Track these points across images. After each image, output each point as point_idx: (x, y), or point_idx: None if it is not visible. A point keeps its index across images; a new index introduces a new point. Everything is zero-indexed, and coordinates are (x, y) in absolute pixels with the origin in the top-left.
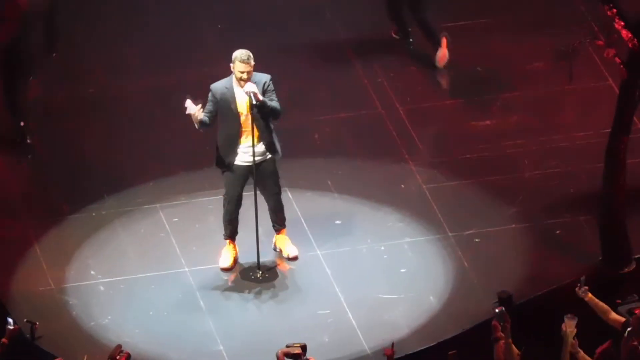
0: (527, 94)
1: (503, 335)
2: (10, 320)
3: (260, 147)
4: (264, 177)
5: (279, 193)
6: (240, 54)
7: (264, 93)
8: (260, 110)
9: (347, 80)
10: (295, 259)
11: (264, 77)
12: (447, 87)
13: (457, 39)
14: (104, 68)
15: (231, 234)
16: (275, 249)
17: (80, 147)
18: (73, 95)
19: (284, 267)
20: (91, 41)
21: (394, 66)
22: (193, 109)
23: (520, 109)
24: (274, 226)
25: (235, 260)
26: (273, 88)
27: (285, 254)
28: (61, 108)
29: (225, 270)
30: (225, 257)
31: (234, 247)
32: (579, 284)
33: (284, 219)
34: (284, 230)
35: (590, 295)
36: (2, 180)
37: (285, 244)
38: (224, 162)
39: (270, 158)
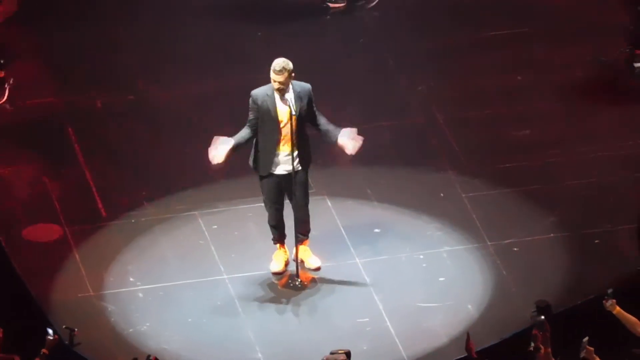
0: (567, 103)
1: (543, 345)
2: (50, 330)
3: (296, 157)
4: (296, 186)
5: (307, 203)
6: (274, 63)
7: (308, 101)
8: (301, 120)
9: (388, 88)
10: (318, 269)
11: (307, 86)
12: (487, 97)
13: (498, 48)
14: (143, 75)
15: (279, 237)
16: (294, 260)
17: (120, 153)
18: (112, 102)
19: (323, 275)
20: (131, 47)
21: (434, 75)
22: (220, 154)
23: (560, 119)
24: (297, 237)
25: (287, 264)
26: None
27: (308, 266)
28: (100, 115)
29: (276, 274)
30: (276, 261)
31: (285, 250)
32: (606, 297)
33: (308, 230)
34: (307, 242)
35: (618, 308)
36: (42, 186)
37: (308, 255)
38: (260, 167)
39: (302, 168)
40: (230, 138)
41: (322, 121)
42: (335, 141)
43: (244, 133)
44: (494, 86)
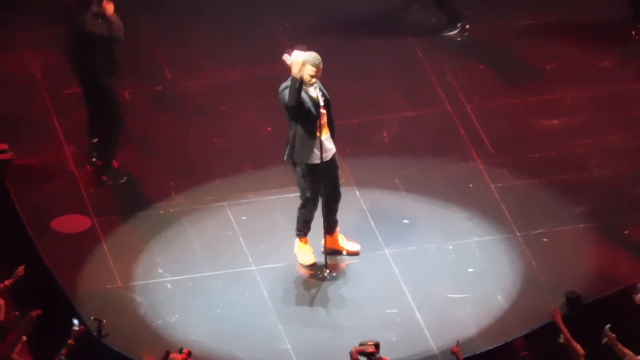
0: (596, 92)
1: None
2: (75, 321)
3: (332, 142)
4: (334, 171)
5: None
6: (312, 57)
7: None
8: (328, 106)
9: (416, 78)
10: (358, 253)
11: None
12: (515, 86)
13: (526, 37)
14: (171, 64)
15: (308, 232)
16: (324, 251)
17: (148, 144)
18: (140, 92)
19: (352, 266)
20: (158, 37)
21: (462, 64)
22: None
23: (589, 108)
24: (330, 226)
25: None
26: None
27: (349, 249)
28: (128, 105)
29: (311, 265)
30: (307, 254)
31: (308, 242)
32: (635, 291)
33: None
34: (338, 229)
35: None
36: (70, 177)
37: (345, 241)
38: (304, 157)
39: (335, 153)
40: None
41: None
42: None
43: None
44: (522, 75)
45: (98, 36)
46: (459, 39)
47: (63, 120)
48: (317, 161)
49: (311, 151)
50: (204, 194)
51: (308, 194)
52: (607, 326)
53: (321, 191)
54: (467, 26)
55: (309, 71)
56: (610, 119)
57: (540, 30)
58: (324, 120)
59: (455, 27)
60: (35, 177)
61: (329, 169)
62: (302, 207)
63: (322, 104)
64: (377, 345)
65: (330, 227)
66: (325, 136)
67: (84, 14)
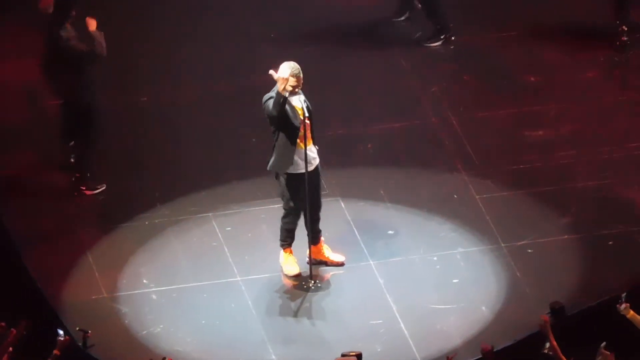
0: (580, 104)
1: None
2: (60, 331)
3: (315, 153)
4: (316, 181)
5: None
6: (291, 67)
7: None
8: (310, 115)
9: (401, 90)
10: (343, 264)
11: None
12: (500, 97)
13: (510, 49)
14: (157, 76)
15: (291, 242)
16: (308, 262)
17: (134, 155)
18: (126, 103)
19: (337, 276)
20: (144, 48)
21: (447, 76)
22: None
23: (574, 119)
24: (314, 237)
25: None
26: None
27: (334, 260)
28: (114, 116)
29: (296, 276)
30: (291, 265)
31: (292, 253)
32: (620, 301)
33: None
34: (323, 240)
35: (632, 312)
36: (56, 188)
37: (330, 252)
38: (284, 167)
39: (318, 164)
40: None
41: None
42: None
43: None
44: (507, 86)
45: (78, 53)
46: (441, 50)
47: (50, 131)
48: (301, 171)
49: (294, 161)
50: (189, 204)
51: (291, 204)
52: (603, 344)
53: (303, 201)
54: (453, 38)
55: (290, 82)
56: (595, 130)
57: (525, 41)
58: (309, 130)
59: (439, 39)
60: (20, 188)
61: (311, 179)
62: (284, 216)
63: (307, 114)
64: (359, 356)
65: (314, 237)
66: (310, 147)
67: (64, 28)
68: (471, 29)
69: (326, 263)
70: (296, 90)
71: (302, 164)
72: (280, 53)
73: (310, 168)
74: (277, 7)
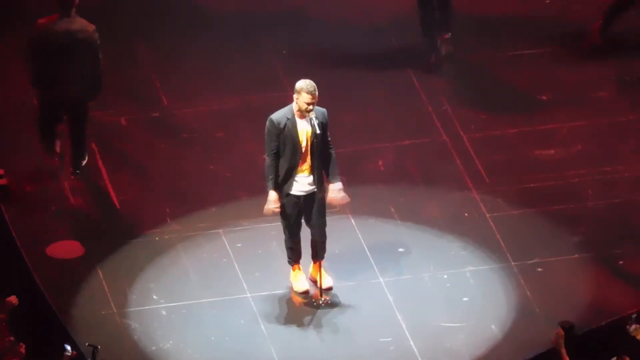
0: (591, 123)
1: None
2: (67, 347)
3: (316, 177)
4: (314, 207)
5: (325, 224)
6: (307, 85)
7: (324, 125)
8: (319, 141)
9: (412, 107)
10: (330, 289)
11: (323, 110)
12: (511, 116)
13: (522, 67)
14: (167, 91)
15: (297, 259)
16: (310, 279)
17: (144, 170)
18: (137, 118)
19: (346, 294)
20: (155, 64)
21: (458, 94)
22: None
23: (585, 138)
24: (315, 254)
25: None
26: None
27: (322, 285)
28: (125, 131)
29: (301, 294)
30: (299, 282)
31: (300, 269)
32: (630, 322)
33: (325, 250)
34: (322, 262)
35: None
36: (66, 202)
37: (323, 274)
38: (281, 190)
39: (319, 188)
40: (272, 191)
41: (327, 152)
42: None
43: (274, 169)
44: (518, 105)
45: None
46: (453, 68)
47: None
48: (294, 192)
49: (285, 183)
50: (200, 220)
51: (282, 220)
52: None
53: (297, 221)
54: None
55: (304, 99)
56: (606, 150)
57: (536, 60)
58: (306, 155)
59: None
60: (31, 202)
61: (306, 203)
62: (284, 233)
63: (305, 141)
64: None
65: (313, 255)
66: (305, 173)
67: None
68: (483, 48)
69: (316, 283)
70: (310, 107)
71: (294, 185)
72: (292, 70)
73: (302, 193)
74: (290, 25)
